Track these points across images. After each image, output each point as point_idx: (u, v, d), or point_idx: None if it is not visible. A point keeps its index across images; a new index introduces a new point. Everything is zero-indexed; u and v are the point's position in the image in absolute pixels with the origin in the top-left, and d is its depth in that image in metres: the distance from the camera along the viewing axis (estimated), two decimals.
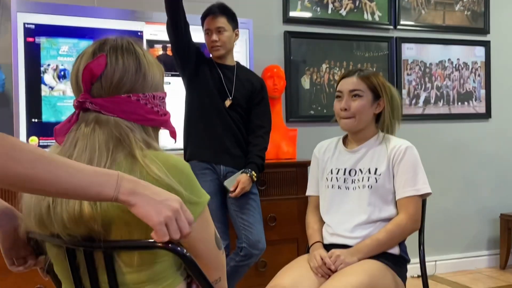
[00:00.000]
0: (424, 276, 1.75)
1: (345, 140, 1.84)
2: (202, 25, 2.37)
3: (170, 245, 0.88)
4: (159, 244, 0.87)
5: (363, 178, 1.71)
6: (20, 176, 0.74)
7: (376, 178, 1.69)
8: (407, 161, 1.68)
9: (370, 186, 1.69)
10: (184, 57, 2.28)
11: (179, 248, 0.90)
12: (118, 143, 0.94)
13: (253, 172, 2.27)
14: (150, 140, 0.99)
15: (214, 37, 2.30)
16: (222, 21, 2.31)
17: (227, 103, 2.32)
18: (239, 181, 2.22)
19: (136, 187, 0.84)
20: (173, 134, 1.07)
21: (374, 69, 3.34)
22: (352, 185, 1.72)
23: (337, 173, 1.76)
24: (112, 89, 0.97)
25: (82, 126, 0.96)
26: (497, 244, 3.66)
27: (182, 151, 2.39)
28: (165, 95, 1.05)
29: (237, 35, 2.40)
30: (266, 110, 2.44)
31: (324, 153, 1.84)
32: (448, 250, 3.57)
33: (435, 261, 3.49)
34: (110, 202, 0.87)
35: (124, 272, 0.95)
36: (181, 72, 2.36)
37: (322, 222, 1.79)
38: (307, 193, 1.90)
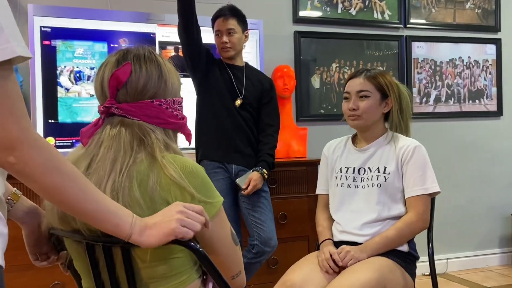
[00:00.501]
0: (433, 273, 1.76)
1: (354, 139, 1.86)
2: (213, 26, 2.42)
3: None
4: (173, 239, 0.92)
5: (372, 176, 1.73)
6: (56, 186, 0.79)
7: (385, 177, 1.71)
8: (416, 160, 1.70)
9: (379, 185, 1.71)
10: (195, 60, 2.33)
11: (192, 243, 0.94)
12: (141, 143, 1.00)
13: (264, 170, 2.31)
14: (170, 142, 1.05)
15: (225, 38, 2.35)
16: (232, 23, 2.36)
17: (238, 102, 2.36)
18: (250, 178, 2.27)
19: (143, 223, 0.90)
20: (188, 137, 1.12)
21: (384, 68, 3.36)
22: (361, 184, 1.75)
23: (346, 172, 1.78)
24: (137, 95, 1.03)
25: (108, 128, 1.02)
26: (509, 242, 3.66)
27: (194, 151, 2.43)
28: (182, 100, 1.11)
29: (246, 37, 2.44)
30: (275, 109, 2.48)
31: (333, 152, 1.87)
32: (460, 248, 3.58)
33: (447, 259, 3.50)
34: (128, 201, 0.92)
35: (139, 267, 1.00)
36: (191, 74, 2.40)
37: (331, 220, 1.82)
38: (317, 192, 1.93)
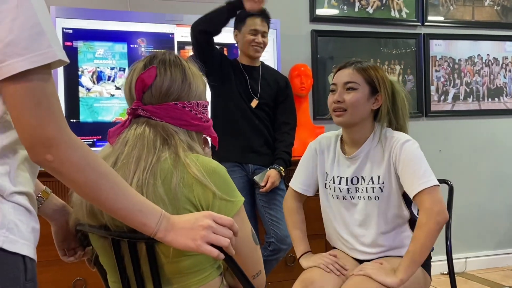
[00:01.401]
0: (451, 271, 1.73)
1: (342, 143, 1.71)
2: (244, 20, 2.40)
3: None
4: None
5: (367, 188, 1.62)
6: (90, 183, 0.82)
7: (380, 188, 1.60)
8: (405, 158, 1.54)
9: (377, 197, 1.61)
10: (209, 66, 2.34)
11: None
12: (164, 142, 1.04)
13: (281, 167, 2.33)
14: (193, 143, 1.08)
15: (260, 39, 2.39)
16: (267, 27, 2.42)
17: (254, 103, 2.39)
18: (268, 176, 2.29)
19: (169, 223, 0.92)
20: (215, 140, 1.16)
21: (402, 66, 3.35)
22: (357, 194, 1.64)
23: (340, 183, 1.66)
24: (161, 97, 1.07)
25: (133, 128, 1.07)
26: None
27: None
28: (207, 103, 1.14)
29: None
30: (291, 107, 2.51)
31: (324, 153, 1.73)
32: (479, 246, 3.55)
33: (466, 258, 3.47)
34: (153, 198, 0.95)
35: (163, 262, 1.03)
36: (209, 82, 2.42)
37: (304, 223, 1.77)
38: (293, 187, 1.78)
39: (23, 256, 0.77)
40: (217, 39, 2.67)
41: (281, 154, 2.38)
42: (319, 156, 1.74)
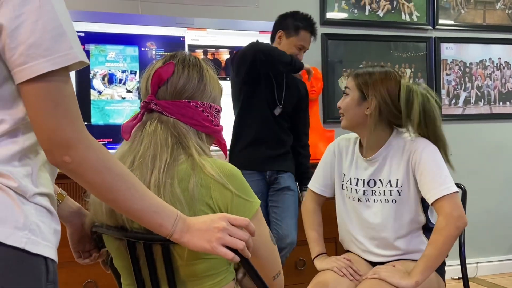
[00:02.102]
0: (464, 277, 1.71)
1: (360, 145, 1.73)
2: (298, 31, 2.36)
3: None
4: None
5: (384, 191, 1.63)
6: (107, 185, 0.83)
7: (398, 191, 1.60)
8: (426, 163, 1.55)
9: (394, 201, 1.61)
10: (250, 77, 2.30)
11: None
12: (176, 140, 1.05)
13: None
14: (202, 144, 1.09)
15: (302, 55, 2.40)
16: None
17: (277, 111, 2.36)
18: None
19: (185, 224, 0.92)
20: (223, 147, 1.16)
21: (413, 70, 3.34)
22: (373, 197, 1.65)
23: (357, 184, 1.68)
24: (175, 94, 1.08)
25: (147, 125, 1.07)
26: None
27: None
28: (221, 109, 1.14)
29: None
30: (308, 116, 2.53)
31: (342, 155, 1.75)
32: (490, 252, 3.51)
33: (477, 263, 3.44)
34: (170, 197, 0.96)
35: (178, 265, 1.03)
36: (238, 83, 2.35)
37: (321, 225, 1.78)
38: (312, 188, 1.80)
39: (45, 258, 0.77)
40: (224, 42, 2.67)
41: (308, 174, 2.34)
42: (337, 157, 1.76)
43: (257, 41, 2.31)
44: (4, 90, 0.76)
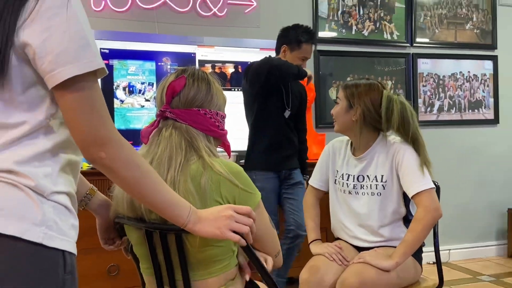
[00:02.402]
0: (438, 262, 1.72)
1: (352, 146, 1.75)
2: (300, 45, 2.33)
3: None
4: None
5: (371, 185, 1.65)
6: (135, 180, 0.82)
7: (383, 185, 1.63)
8: (407, 162, 1.59)
9: (379, 193, 1.64)
10: (265, 89, 2.28)
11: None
12: (189, 143, 1.06)
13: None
14: (211, 146, 1.09)
15: (305, 64, 2.39)
16: None
17: (287, 114, 2.36)
18: None
19: (197, 215, 0.92)
20: (228, 149, 1.16)
21: (393, 82, 3.34)
22: (361, 190, 1.67)
23: (347, 179, 1.70)
24: (187, 103, 1.08)
25: (163, 131, 1.08)
26: (505, 235, 3.57)
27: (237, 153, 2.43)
28: (225, 116, 1.16)
29: None
30: (305, 114, 2.54)
31: (335, 155, 1.77)
32: (461, 240, 3.51)
33: (449, 249, 3.44)
34: (185, 192, 0.97)
35: (190, 251, 1.03)
36: (255, 90, 2.30)
37: (319, 217, 1.79)
38: (312, 184, 1.82)
39: (63, 251, 0.74)
40: (229, 58, 2.66)
41: (305, 164, 2.46)
42: (331, 157, 1.79)
43: (269, 56, 2.31)
44: (30, 94, 0.74)
